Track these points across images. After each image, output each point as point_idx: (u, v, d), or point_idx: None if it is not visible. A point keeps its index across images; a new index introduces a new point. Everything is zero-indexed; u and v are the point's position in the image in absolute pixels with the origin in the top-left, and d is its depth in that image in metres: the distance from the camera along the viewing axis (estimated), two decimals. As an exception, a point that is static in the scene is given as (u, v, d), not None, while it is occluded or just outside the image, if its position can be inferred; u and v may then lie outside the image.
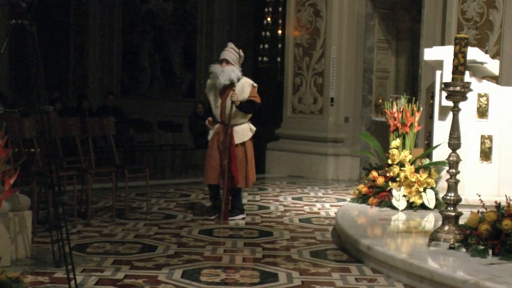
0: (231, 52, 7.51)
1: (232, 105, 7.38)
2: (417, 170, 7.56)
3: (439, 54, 7.54)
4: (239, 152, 7.46)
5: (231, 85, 7.39)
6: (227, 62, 7.44)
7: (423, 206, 7.41)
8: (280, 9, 13.59)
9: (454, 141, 5.61)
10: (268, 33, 13.94)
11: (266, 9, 13.96)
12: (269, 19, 13.90)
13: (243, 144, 7.49)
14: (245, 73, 7.68)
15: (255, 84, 7.57)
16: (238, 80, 7.42)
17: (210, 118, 7.58)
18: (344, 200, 9.04)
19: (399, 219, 7.14)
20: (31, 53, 4.82)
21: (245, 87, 7.46)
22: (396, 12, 12.12)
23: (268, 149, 12.45)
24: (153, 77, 16.26)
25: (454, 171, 5.63)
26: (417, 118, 7.88)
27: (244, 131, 7.49)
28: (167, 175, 12.02)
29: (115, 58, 16.96)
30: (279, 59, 13.53)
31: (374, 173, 7.85)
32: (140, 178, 8.45)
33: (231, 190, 7.54)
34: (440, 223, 5.73)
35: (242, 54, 7.56)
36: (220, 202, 7.63)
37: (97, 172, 7.74)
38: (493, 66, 7.72)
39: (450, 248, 5.48)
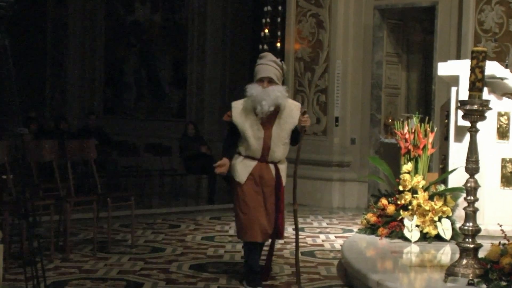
0: (274, 67, 6.23)
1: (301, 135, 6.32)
2: (431, 197, 7.56)
3: (455, 69, 7.57)
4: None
5: (276, 111, 6.20)
6: (270, 81, 6.16)
7: (438, 237, 7.40)
8: (279, 20, 13.65)
9: (472, 165, 5.60)
10: (266, 46, 13.98)
11: (263, 20, 14.01)
12: (267, 31, 13.95)
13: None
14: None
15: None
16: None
17: (226, 161, 6.23)
18: (351, 230, 9.03)
19: (412, 251, 7.12)
20: (3, 69, 4.83)
21: (293, 111, 6.30)
22: (406, 23, 12.18)
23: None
24: (139, 95, 16.28)
25: (472, 198, 5.62)
26: (430, 140, 7.89)
27: (285, 170, 6.41)
28: (154, 204, 12.00)
29: (97, 74, 17.01)
30: (278, 74, 13.56)
31: (383, 201, 7.84)
32: (124, 207, 8.44)
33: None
34: (457, 256, 5.71)
35: (285, 67, 6.40)
36: (258, 263, 6.38)
37: (76, 201, 7.73)
38: (514, 81, 7.74)
39: (469, 284, 5.46)
